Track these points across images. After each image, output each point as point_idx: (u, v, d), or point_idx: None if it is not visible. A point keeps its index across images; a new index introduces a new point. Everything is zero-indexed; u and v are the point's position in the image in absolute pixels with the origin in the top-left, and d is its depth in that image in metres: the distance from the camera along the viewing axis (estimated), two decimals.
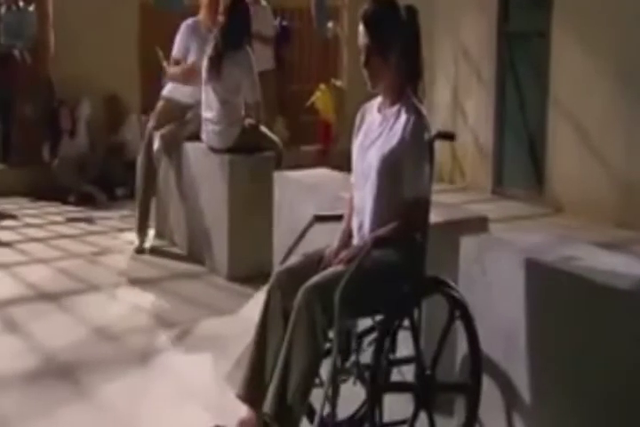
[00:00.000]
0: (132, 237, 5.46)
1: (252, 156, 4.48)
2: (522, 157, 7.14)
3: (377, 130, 2.43)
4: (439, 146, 7.85)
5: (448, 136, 2.52)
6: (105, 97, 6.74)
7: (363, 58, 2.38)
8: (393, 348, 2.51)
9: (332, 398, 2.27)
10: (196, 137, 4.72)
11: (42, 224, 5.80)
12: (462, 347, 2.57)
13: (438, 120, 8.10)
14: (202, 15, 4.93)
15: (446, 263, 2.78)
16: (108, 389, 3.10)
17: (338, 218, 2.59)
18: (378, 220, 2.40)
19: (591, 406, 2.27)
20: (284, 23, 7.80)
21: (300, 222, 2.70)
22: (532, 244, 2.61)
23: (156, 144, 4.88)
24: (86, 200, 6.40)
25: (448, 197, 7.13)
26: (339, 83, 8.27)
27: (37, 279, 4.47)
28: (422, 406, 2.42)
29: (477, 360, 2.50)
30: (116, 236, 5.49)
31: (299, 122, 8.22)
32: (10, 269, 4.66)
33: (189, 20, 4.94)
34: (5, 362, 3.36)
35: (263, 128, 4.64)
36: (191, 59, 4.83)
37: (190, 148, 4.81)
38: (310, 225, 2.53)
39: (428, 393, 2.42)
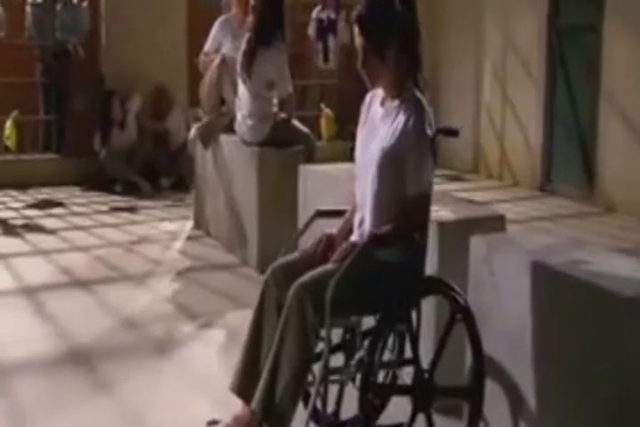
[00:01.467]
0: (172, 226, 5.50)
1: (281, 149, 4.41)
2: (572, 153, 6.88)
3: (379, 124, 2.33)
4: (487, 142, 7.61)
5: (451, 133, 2.39)
6: (153, 89, 6.78)
7: (360, 59, 2.27)
8: (401, 350, 2.41)
9: (324, 398, 2.19)
10: (230, 129, 4.69)
11: (87, 213, 5.89)
12: (465, 350, 2.44)
13: (486, 116, 7.90)
14: (233, 10, 4.96)
15: (459, 263, 2.66)
16: (121, 377, 3.09)
17: (341, 213, 2.50)
18: (379, 217, 2.30)
19: (596, 411, 2.13)
20: (332, 16, 7.70)
21: None
22: (543, 245, 2.46)
23: (191, 134, 4.89)
24: (132, 190, 6.47)
25: (495, 193, 6.93)
26: None
27: (73, 266, 4.52)
28: (420, 409, 2.32)
29: (480, 365, 2.37)
30: (156, 225, 5.52)
31: (349, 115, 8.11)
32: (50, 256, 4.73)
33: (222, 16, 4.99)
34: (30, 345, 3.39)
35: (295, 122, 4.57)
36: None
37: (225, 140, 4.79)
38: (312, 220, 2.45)
39: (425, 397, 2.31)
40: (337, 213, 2.51)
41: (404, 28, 2.25)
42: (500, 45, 7.47)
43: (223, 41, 4.86)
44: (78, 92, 6.75)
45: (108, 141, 6.62)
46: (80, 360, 3.26)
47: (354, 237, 2.38)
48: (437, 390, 2.35)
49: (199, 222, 5.37)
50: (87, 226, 5.48)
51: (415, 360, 2.30)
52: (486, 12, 7.66)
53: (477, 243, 2.56)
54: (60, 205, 6.11)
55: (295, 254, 2.40)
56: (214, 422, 2.44)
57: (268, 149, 4.40)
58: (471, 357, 2.38)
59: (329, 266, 2.23)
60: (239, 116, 4.52)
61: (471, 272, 2.59)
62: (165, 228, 5.45)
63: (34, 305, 3.91)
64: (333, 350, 2.45)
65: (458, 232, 2.75)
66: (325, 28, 7.48)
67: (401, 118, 2.25)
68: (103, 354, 3.33)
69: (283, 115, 4.53)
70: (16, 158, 6.68)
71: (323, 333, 2.17)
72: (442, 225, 2.75)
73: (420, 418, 2.33)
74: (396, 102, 2.30)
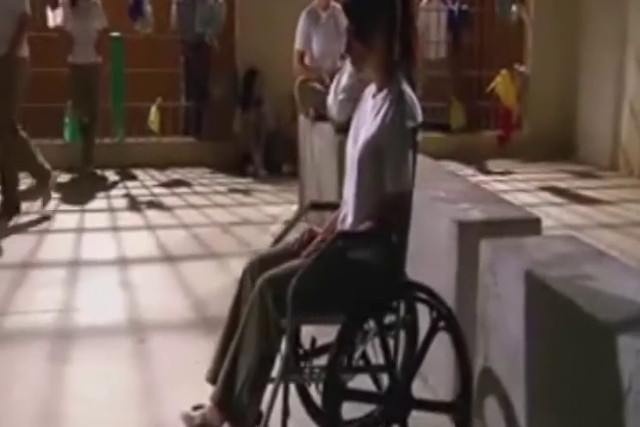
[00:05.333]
0: (276, 210, 5.47)
1: None
2: None
3: (367, 116, 2.09)
4: (629, 136, 6.71)
5: (439, 126, 2.08)
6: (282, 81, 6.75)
7: (345, 42, 2.05)
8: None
9: (285, 398, 2.01)
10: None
11: (206, 193, 6.01)
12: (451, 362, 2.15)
13: (628, 107, 7.06)
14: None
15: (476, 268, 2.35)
16: (163, 353, 3.08)
17: (334, 206, 2.29)
18: (359, 214, 2.07)
19: None
20: (464, 7, 7.24)
21: None
22: (554, 255, 2.09)
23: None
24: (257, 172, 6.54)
25: (629, 193, 6.19)
26: (522, 68, 7.54)
27: (170, 242, 4.61)
28: (393, 421, 2.07)
29: (466, 378, 2.07)
30: (262, 209, 5.51)
31: (476, 107, 7.65)
32: (155, 231, 4.87)
33: (307, 8, 4.83)
34: (97, 314, 3.48)
35: None
36: (315, 47, 4.72)
37: (313, 128, 4.67)
38: (304, 211, 2.27)
39: (400, 408, 2.06)
40: (331, 207, 2.30)
41: (393, 15, 1.99)
42: None
43: (312, 33, 4.71)
44: (215, 82, 6.90)
45: (244, 115, 6.69)
46: (134, 331, 3.30)
47: None
48: (414, 402, 2.08)
49: (302, 207, 5.30)
50: (200, 205, 5.59)
51: (389, 368, 2.05)
52: None
53: (485, 248, 2.24)
54: (186, 184, 6.30)
55: (279, 247, 2.23)
56: (199, 406, 2.34)
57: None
58: (458, 369, 2.09)
59: (298, 261, 2.04)
60: (331, 98, 4.33)
61: (479, 279, 2.27)
62: (269, 211, 5.42)
63: (120, 277, 4.02)
64: (324, 349, 2.25)
65: (480, 235, 2.41)
66: (457, 19, 7.06)
67: (383, 111, 2.00)
68: (158, 328, 3.34)
69: None
70: (158, 141, 6.96)
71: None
72: (461, 226, 2.44)
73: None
74: (383, 93, 2.04)
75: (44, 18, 6.54)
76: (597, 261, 2.04)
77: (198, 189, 6.16)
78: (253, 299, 2.00)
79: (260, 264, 2.15)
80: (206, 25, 6.65)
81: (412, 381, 2.06)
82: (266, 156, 6.64)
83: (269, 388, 2.05)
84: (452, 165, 6.97)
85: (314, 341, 2.12)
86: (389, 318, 2.06)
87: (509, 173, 7.03)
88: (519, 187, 6.41)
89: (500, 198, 2.84)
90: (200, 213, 5.38)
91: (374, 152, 2.00)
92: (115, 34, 6.67)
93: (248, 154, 6.69)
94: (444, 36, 7.25)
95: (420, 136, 1.98)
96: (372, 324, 2.03)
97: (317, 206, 2.32)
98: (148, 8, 6.70)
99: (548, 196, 6.13)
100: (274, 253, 2.20)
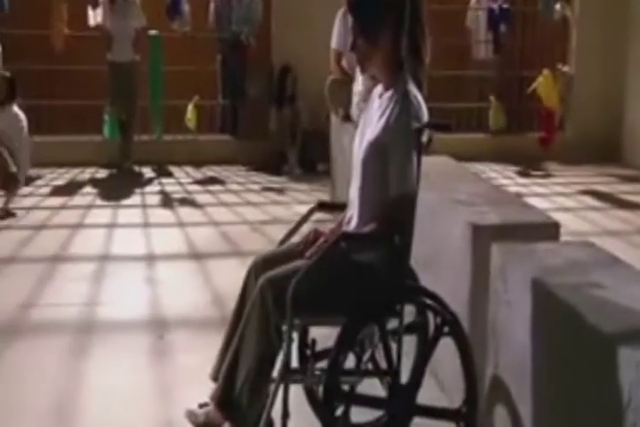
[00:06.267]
0: (306, 209, 5.47)
1: None
2: None
3: (373, 116, 2.07)
4: None
5: (442, 127, 2.03)
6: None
7: (351, 41, 2.04)
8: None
9: (285, 399, 2.01)
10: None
11: (239, 191, 6.05)
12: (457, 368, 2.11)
13: None
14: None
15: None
16: (180, 349, 3.12)
17: (343, 207, 2.27)
18: (363, 216, 2.06)
19: None
20: (505, 6, 7.11)
21: None
22: (564, 261, 2.04)
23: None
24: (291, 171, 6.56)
25: None
26: (566, 68, 7.37)
27: (198, 239, 4.66)
28: (396, 425, 2.05)
29: (471, 385, 2.04)
30: (294, 208, 5.52)
31: (517, 108, 7.51)
32: (185, 229, 4.94)
33: (343, 9, 4.78)
34: (119, 309, 3.55)
35: None
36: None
37: (346, 125, 4.66)
38: (312, 212, 2.27)
39: (403, 414, 2.03)
40: (338, 207, 2.29)
41: (399, 14, 1.97)
42: None
43: (348, 37, 4.68)
44: (251, 80, 6.95)
45: (279, 113, 6.72)
46: (153, 327, 3.35)
47: None
48: (418, 408, 2.06)
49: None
50: (232, 203, 5.64)
51: (391, 373, 2.02)
52: None
53: (496, 252, 2.20)
54: (220, 182, 6.36)
55: (283, 247, 2.24)
56: (205, 404, 2.35)
57: None
58: (462, 376, 2.06)
59: (300, 262, 2.04)
60: (354, 101, 4.34)
61: (490, 285, 2.23)
62: (301, 210, 5.42)
63: (147, 273, 4.08)
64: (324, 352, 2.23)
65: (493, 239, 2.37)
66: (497, 18, 6.96)
67: (388, 111, 1.98)
68: (179, 325, 3.38)
69: None
70: (195, 139, 7.05)
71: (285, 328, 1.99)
72: (475, 229, 2.39)
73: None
74: (389, 93, 2.02)
75: (84, 17, 6.69)
76: (610, 269, 1.98)
77: (232, 187, 6.21)
78: (254, 299, 2.01)
79: (263, 264, 2.16)
80: (243, 24, 6.71)
81: (417, 387, 2.03)
82: (301, 154, 6.66)
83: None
84: (489, 167, 6.89)
85: (314, 343, 2.11)
86: (393, 323, 2.04)
87: (549, 175, 6.90)
88: (558, 190, 6.28)
89: (520, 202, 2.78)
90: (231, 211, 5.43)
91: (379, 152, 1.99)
92: (152, 32, 6.78)
93: (284, 152, 6.74)
94: (484, 36, 7.15)
95: (426, 137, 1.96)
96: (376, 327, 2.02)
97: (325, 207, 2.31)
98: (185, 7, 6.78)
99: (588, 200, 5.99)
100: (278, 254, 2.20)
